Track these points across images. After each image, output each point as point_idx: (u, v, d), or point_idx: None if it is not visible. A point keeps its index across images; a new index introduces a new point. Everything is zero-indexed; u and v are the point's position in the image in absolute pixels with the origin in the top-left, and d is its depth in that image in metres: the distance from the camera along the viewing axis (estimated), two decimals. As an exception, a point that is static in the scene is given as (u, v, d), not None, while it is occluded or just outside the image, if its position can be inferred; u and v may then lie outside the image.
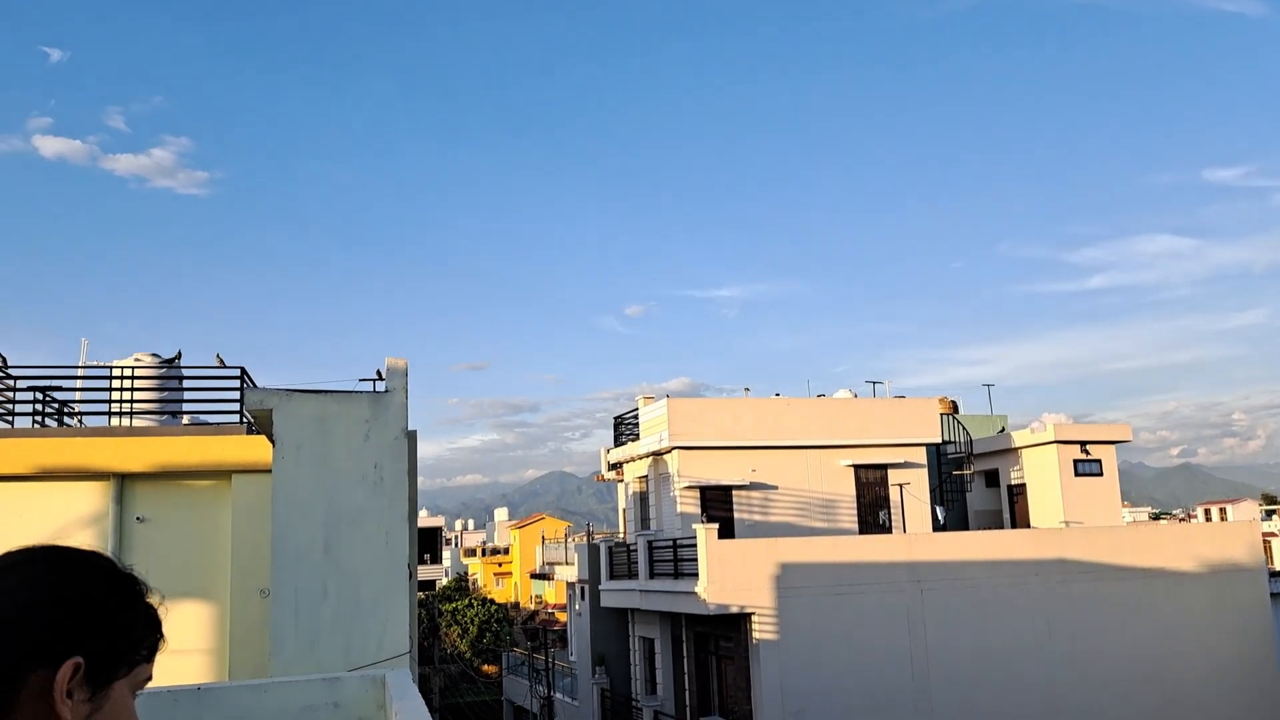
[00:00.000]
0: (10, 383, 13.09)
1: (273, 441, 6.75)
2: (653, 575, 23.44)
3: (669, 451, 25.11)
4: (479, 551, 79.69)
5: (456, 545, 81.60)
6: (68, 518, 10.82)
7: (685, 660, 24.38)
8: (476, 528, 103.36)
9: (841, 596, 20.52)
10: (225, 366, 13.74)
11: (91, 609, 1.53)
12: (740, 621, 20.65)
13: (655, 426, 25.64)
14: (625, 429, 28.62)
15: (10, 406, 13.02)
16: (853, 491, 25.46)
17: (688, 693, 24.25)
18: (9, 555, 1.57)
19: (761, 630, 20.09)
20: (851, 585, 20.60)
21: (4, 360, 13.34)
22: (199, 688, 4.91)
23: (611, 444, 29.62)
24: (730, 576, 20.14)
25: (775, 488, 24.99)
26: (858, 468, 25.55)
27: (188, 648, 10.93)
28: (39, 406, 13.54)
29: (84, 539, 10.96)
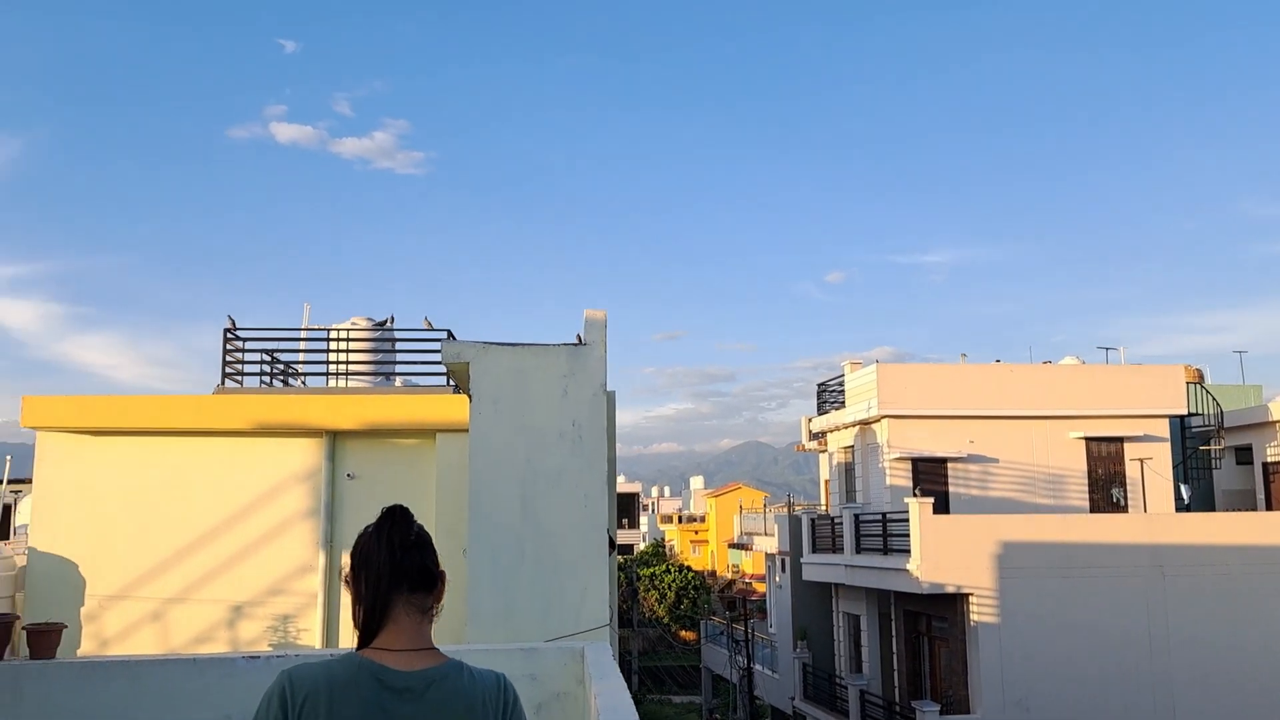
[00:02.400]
0: (240, 344, 13.66)
1: (470, 396, 6.38)
2: (859, 550, 22.38)
3: (877, 420, 23.85)
4: (675, 518, 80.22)
5: (653, 511, 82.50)
6: (285, 472, 11.11)
7: (894, 640, 23.22)
8: (672, 495, 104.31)
9: (1070, 580, 18.81)
10: (433, 329, 13.86)
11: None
12: (956, 602, 19.33)
13: (862, 394, 24.42)
14: (829, 396, 27.50)
15: (240, 367, 13.60)
16: (1083, 466, 23.34)
17: (897, 674, 23.09)
18: (399, 507, 2.31)
19: (980, 612, 18.72)
20: (1083, 568, 18.84)
21: (234, 323, 13.94)
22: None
23: (814, 413, 28.57)
24: (945, 554, 18.84)
25: (995, 460, 23.26)
26: (1089, 440, 23.38)
27: (396, 604, 11.03)
28: (265, 367, 14.12)
29: (299, 493, 11.24)
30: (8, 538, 13.19)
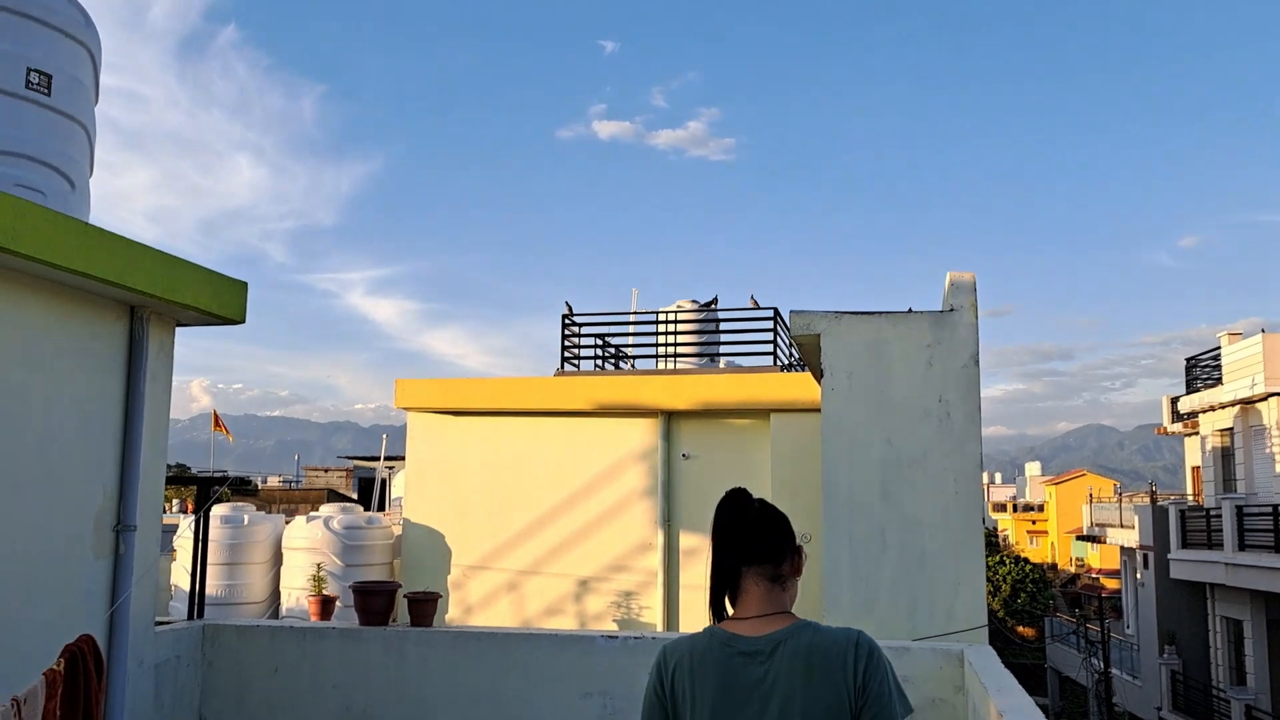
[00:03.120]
0: (576, 329, 14.14)
1: (819, 372, 5.92)
2: (1242, 547, 19.53)
3: (1263, 399, 20.67)
4: (1008, 507, 75.34)
5: (984, 499, 77.93)
6: (622, 451, 11.28)
7: (1290, 652, 20.09)
8: (1004, 481, 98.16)
9: None
10: (759, 308, 13.58)
11: None
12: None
13: (1244, 369, 21.26)
14: (1200, 373, 24.28)
15: (576, 351, 14.10)
16: None
17: (1294, 691, 19.97)
18: (738, 489, 2.40)
19: None
20: None
21: (571, 309, 14.45)
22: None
23: (1174, 391, 25.37)
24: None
25: None
26: None
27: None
28: (598, 351, 14.56)
29: (637, 472, 11.37)
30: (385, 509, 14.55)
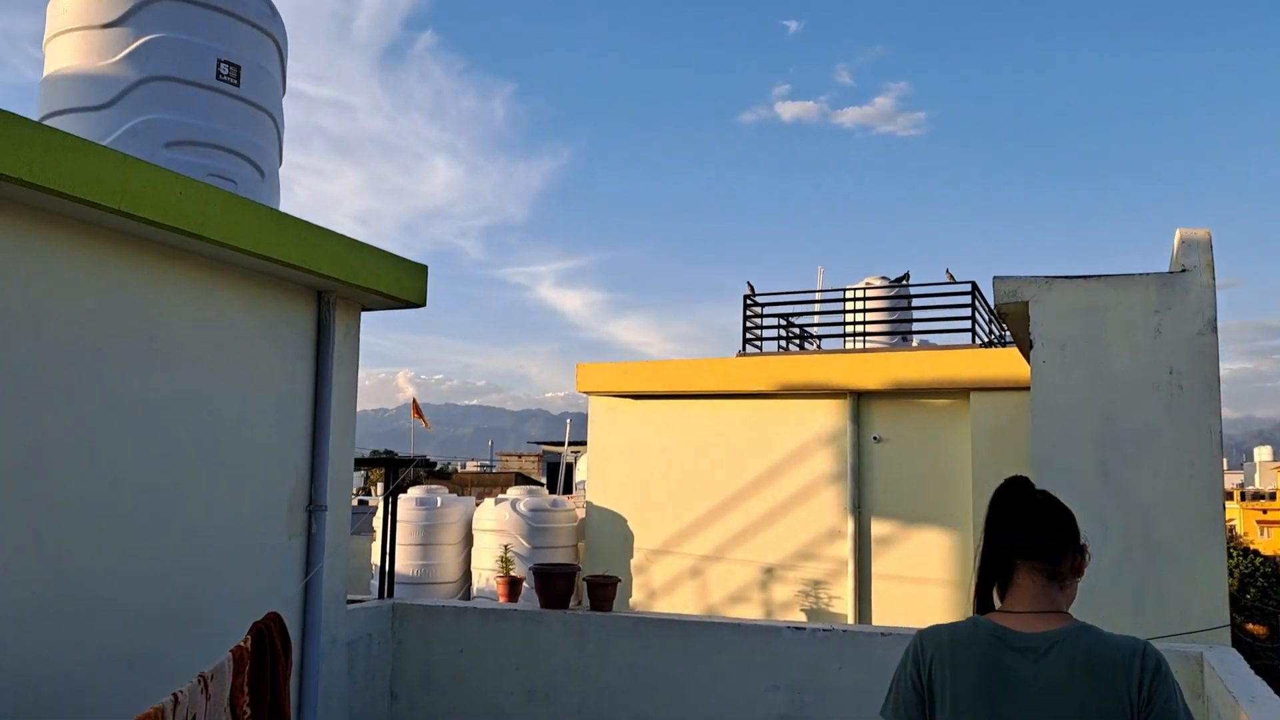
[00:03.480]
0: (758, 310, 13.83)
1: (1027, 343, 5.38)
2: None
3: None
4: (1235, 495, 69.26)
5: (1223, 483, 71.87)
6: (809, 433, 10.87)
7: None
8: (1231, 467, 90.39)
9: None
10: (955, 282, 12.83)
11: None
12: None
13: None
14: None
15: (759, 332, 13.78)
16: None
17: None
18: (1019, 478, 2.30)
19: None
20: None
21: (753, 289, 14.16)
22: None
23: None
24: None
25: None
26: None
27: (929, 577, 10.27)
28: (782, 332, 14.19)
29: (824, 455, 10.93)
30: (570, 493, 14.71)
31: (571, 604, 6.01)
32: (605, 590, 5.94)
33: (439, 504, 11.42)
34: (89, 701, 4.08)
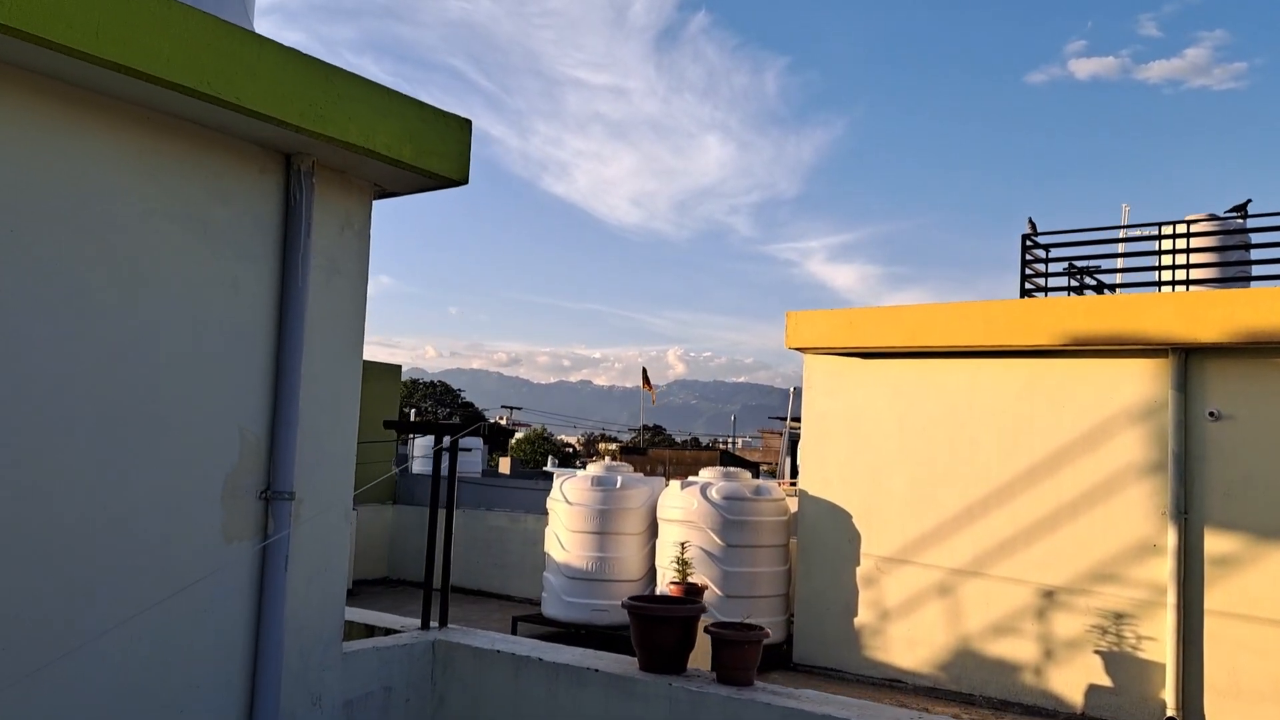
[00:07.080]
0: (1042, 253, 10.84)
1: None
2: None
3: None
4: None
5: None
6: (1110, 406, 7.76)
7: None
8: None
9: None
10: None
11: None
12: None
13: None
14: None
15: (1042, 282, 10.76)
16: None
17: None
18: None
19: None
20: None
21: (1034, 227, 11.14)
22: None
23: None
24: None
25: None
26: None
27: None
28: (1071, 281, 11.05)
29: (1131, 438, 7.70)
30: (794, 478, 12.19)
31: (690, 663, 3.67)
32: (743, 651, 3.54)
33: (618, 484, 9.37)
34: None
